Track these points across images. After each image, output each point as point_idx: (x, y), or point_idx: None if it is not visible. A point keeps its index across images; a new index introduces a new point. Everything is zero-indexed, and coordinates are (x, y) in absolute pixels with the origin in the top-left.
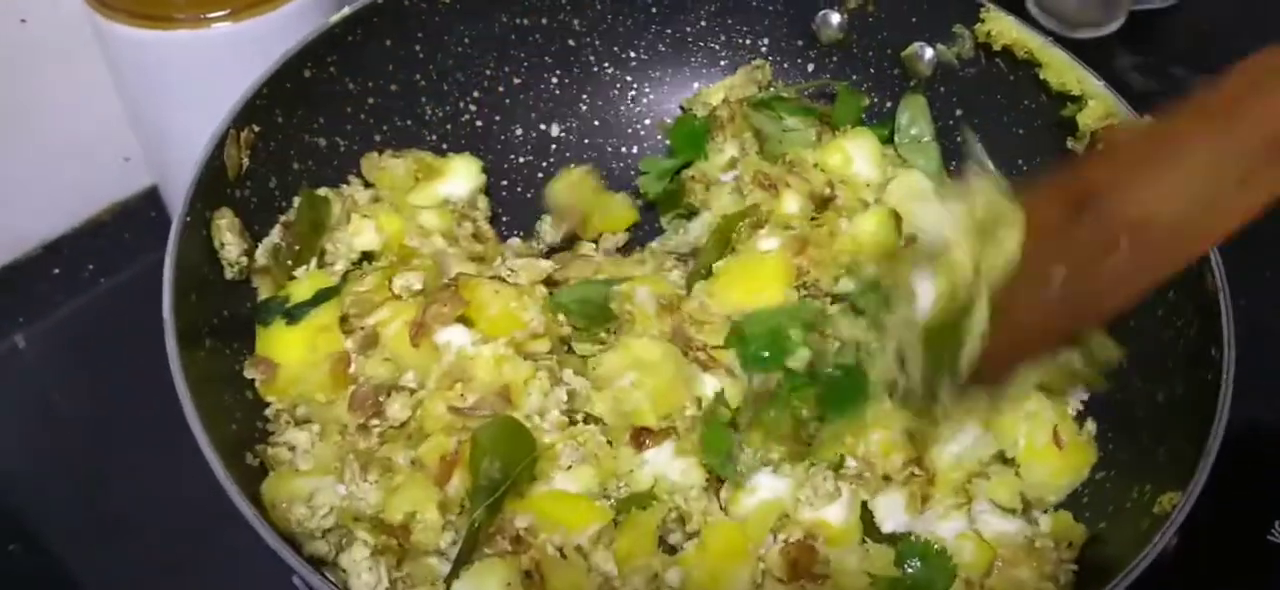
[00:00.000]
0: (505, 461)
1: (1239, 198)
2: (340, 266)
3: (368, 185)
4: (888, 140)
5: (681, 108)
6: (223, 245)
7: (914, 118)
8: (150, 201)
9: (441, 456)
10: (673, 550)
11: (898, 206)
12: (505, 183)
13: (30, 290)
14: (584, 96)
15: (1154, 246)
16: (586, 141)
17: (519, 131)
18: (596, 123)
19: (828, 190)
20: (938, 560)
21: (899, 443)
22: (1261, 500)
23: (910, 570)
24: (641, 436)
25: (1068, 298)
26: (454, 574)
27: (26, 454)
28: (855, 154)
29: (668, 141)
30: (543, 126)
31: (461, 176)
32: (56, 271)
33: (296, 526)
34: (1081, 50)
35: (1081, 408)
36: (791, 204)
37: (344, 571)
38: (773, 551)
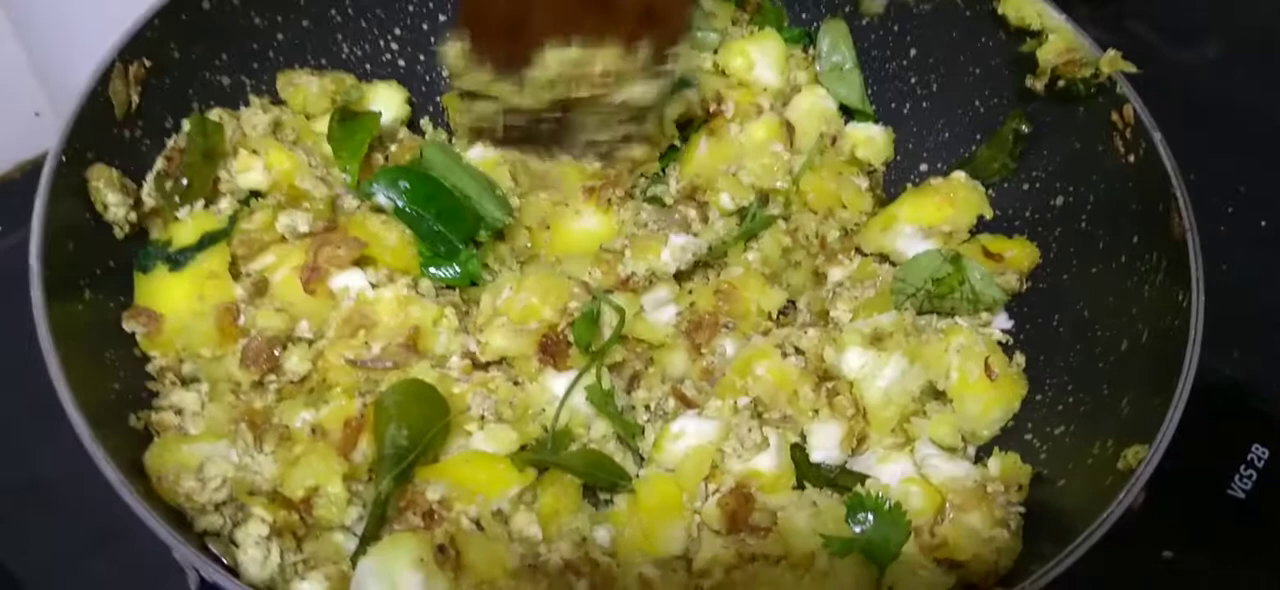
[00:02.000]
0: (413, 427)
1: None
2: (227, 207)
3: (276, 103)
4: (803, 49)
5: None
6: (105, 207)
7: (835, 43)
8: None
9: (345, 421)
10: (602, 504)
11: (796, 124)
12: (426, 123)
13: None
14: None
15: None
16: None
17: (444, 71)
18: None
19: (714, 106)
20: (890, 516)
21: (791, 370)
22: (1224, 453)
23: (860, 528)
24: (549, 346)
25: None
26: (360, 552)
27: None
28: (758, 57)
29: None
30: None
31: (383, 104)
32: None
33: (185, 500)
34: None
35: (1008, 339)
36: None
37: (236, 546)
38: (709, 504)
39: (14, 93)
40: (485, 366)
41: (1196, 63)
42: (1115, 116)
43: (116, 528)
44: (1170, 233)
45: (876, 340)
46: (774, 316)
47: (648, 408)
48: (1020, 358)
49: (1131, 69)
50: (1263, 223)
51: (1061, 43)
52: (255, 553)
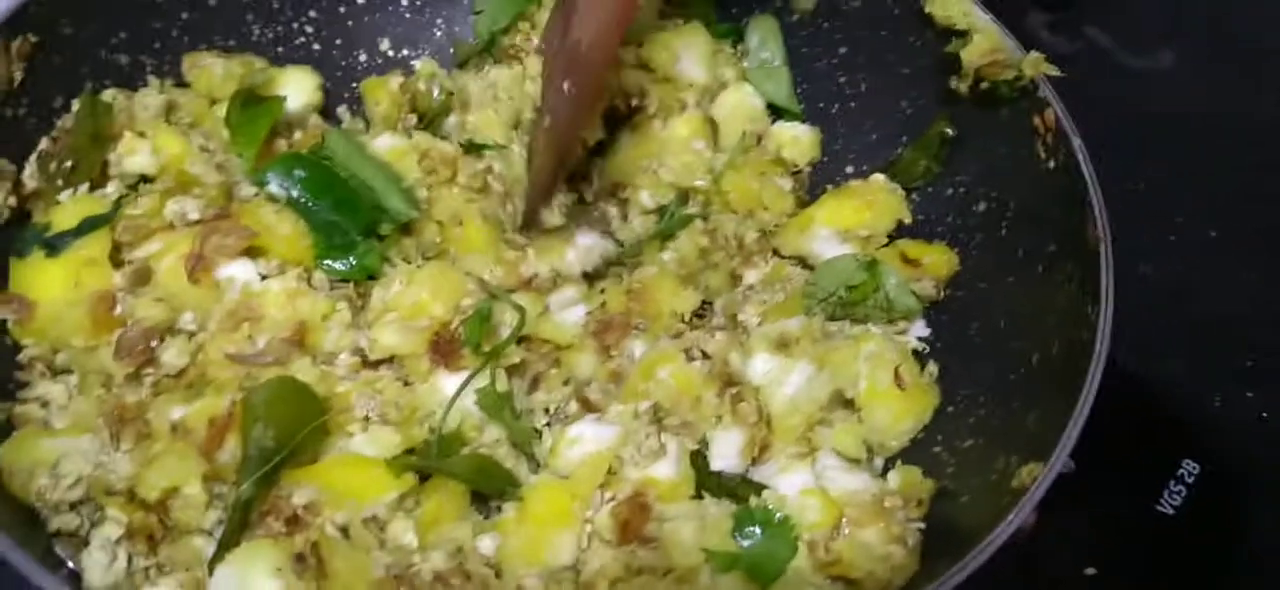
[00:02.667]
0: (280, 427)
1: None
2: (113, 191)
3: (180, 86)
4: (732, 44)
5: None
6: None
7: (764, 39)
8: None
9: (211, 419)
10: (491, 511)
11: (721, 122)
12: (343, 111)
13: None
14: (439, 21)
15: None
16: (442, 70)
17: (362, 57)
18: (452, 50)
19: (635, 100)
20: (778, 531)
21: (695, 374)
22: (1152, 467)
23: (748, 543)
24: (440, 346)
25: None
26: (216, 558)
27: None
28: (682, 52)
29: None
30: (391, 52)
31: (293, 89)
32: None
33: (36, 498)
34: (992, 6)
35: (922, 346)
36: None
37: (86, 545)
38: (602, 513)
39: None
40: (375, 365)
41: (1152, 69)
42: (1037, 121)
43: None
44: (1085, 242)
45: (783, 346)
46: (688, 319)
47: (547, 411)
48: (933, 367)
49: (1054, 72)
50: (1212, 233)
51: (985, 43)
52: (100, 556)
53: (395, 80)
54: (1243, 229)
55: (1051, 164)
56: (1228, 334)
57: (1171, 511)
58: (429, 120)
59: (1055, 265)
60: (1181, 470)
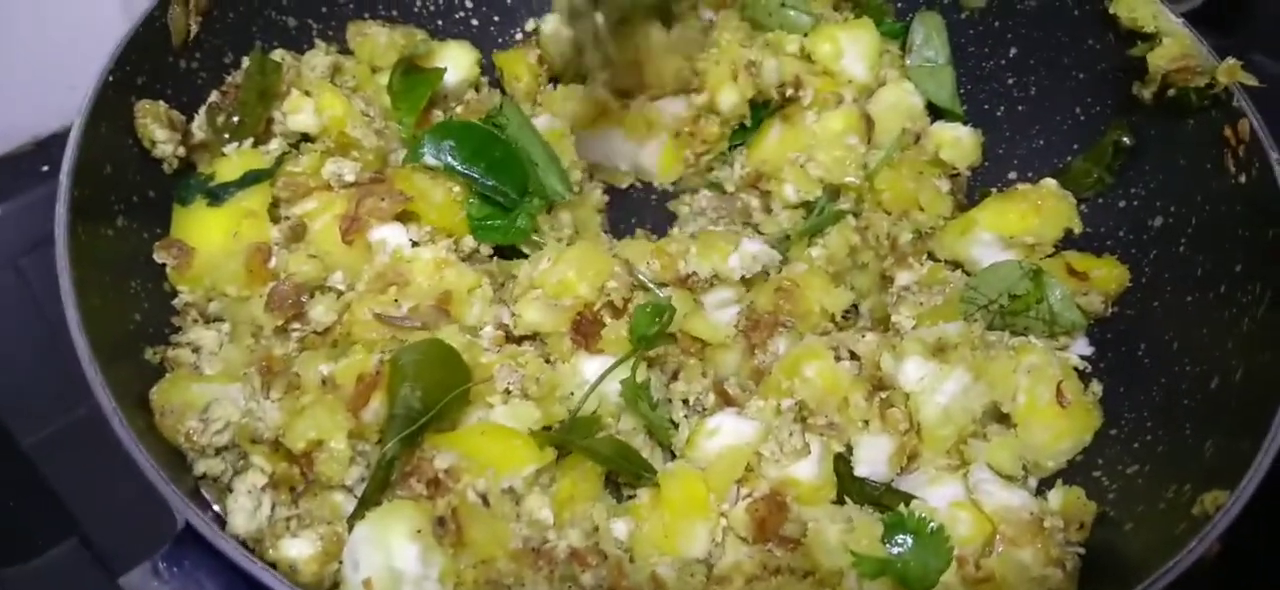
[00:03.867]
0: (428, 390)
1: None
2: (276, 147)
3: (344, 53)
4: (900, 45)
5: None
6: (153, 142)
7: (929, 36)
8: None
9: (359, 376)
10: (623, 497)
11: (879, 118)
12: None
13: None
14: None
15: None
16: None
17: (518, 35)
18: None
19: (790, 90)
20: (932, 541)
21: (843, 375)
22: None
23: (898, 550)
24: (582, 326)
25: None
26: (356, 515)
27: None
28: (848, 47)
29: None
30: (546, 29)
31: (451, 63)
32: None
33: (185, 440)
34: None
35: (1084, 364)
36: (727, 99)
37: (231, 493)
38: (737, 508)
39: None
40: (518, 340)
41: None
42: (1228, 132)
43: None
44: (1278, 261)
45: (939, 351)
46: (837, 319)
47: (686, 402)
48: (1097, 387)
49: (1251, 81)
50: None
51: (1176, 47)
52: (245, 502)
53: (532, 53)
54: None
55: (1242, 178)
56: None
57: None
58: (571, 78)
59: (1240, 286)
60: None
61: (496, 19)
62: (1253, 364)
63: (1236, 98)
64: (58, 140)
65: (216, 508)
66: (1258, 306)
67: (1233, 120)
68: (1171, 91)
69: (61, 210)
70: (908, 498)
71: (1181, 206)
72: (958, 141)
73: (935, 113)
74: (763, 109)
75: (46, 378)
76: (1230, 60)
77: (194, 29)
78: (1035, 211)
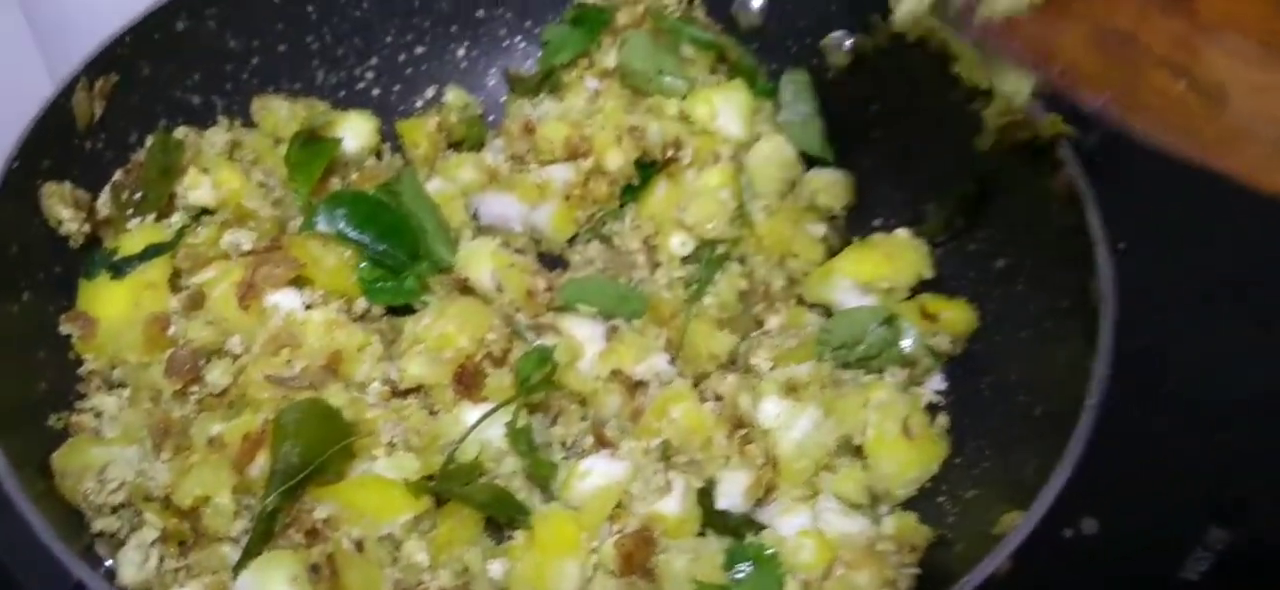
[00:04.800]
0: (307, 446)
1: None
2: (177, 221)
3: (247, 125)
4: (774, 104)
5: None
6: (59, 222)
7: (798, 92)
8: None
9: (245, 435)
10: (503, 538)
11: (756, 170)
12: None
13: None
14: (493, 70)
15: None
16: (494, 118)
17: (419, 103)
18: (502, 98)
19: (672, 151)
20: (767, 566)
21: (706, 415)
22: (1179, 531)
23: (739, 576)
24: (464, 378)
25: None
26: (241, 565)
27: None
28: (722, 107)
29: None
30: (448, 99)
31: (352, 132)
32: None
33: (83, 500)
34: None
35: (936, 398)
36: (613, 161)
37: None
38: (607, 544)
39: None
40: (403, 394)
41: None
42: (1054, 181)
43: None
44: (1087, 297)
45: (792, 390)
46: (722, 362)
47: (564, 444)
48: (944, 419)
49: (1071, 133)
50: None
51: (1004, 103)
52: (134, 555)
53: (431, 120)
54: None
55: (1065, 223)
56: (1268, 405)
57: (1196, 578)
58: (467, 147)
59: (1066, 322)
60: (1209, 538)
61: (397, 88)
62: (1070, 394)
63: (1058, 150)
64: None
65: (108, 562)
66: (1077, 339)
67: (1056, 170)
68: (1007, 144)
69: None
70: (760, 527)
71: (1019, 250)
72: (832, 184)
73: (809, 162)
74: (650, 168)
75: None
76: (1052, 115)
77: (98, 112)
78: (888, 260)
